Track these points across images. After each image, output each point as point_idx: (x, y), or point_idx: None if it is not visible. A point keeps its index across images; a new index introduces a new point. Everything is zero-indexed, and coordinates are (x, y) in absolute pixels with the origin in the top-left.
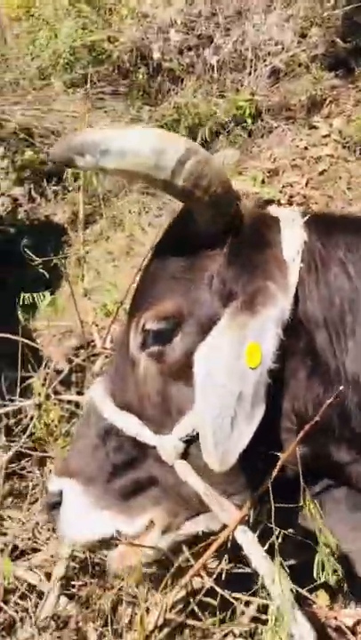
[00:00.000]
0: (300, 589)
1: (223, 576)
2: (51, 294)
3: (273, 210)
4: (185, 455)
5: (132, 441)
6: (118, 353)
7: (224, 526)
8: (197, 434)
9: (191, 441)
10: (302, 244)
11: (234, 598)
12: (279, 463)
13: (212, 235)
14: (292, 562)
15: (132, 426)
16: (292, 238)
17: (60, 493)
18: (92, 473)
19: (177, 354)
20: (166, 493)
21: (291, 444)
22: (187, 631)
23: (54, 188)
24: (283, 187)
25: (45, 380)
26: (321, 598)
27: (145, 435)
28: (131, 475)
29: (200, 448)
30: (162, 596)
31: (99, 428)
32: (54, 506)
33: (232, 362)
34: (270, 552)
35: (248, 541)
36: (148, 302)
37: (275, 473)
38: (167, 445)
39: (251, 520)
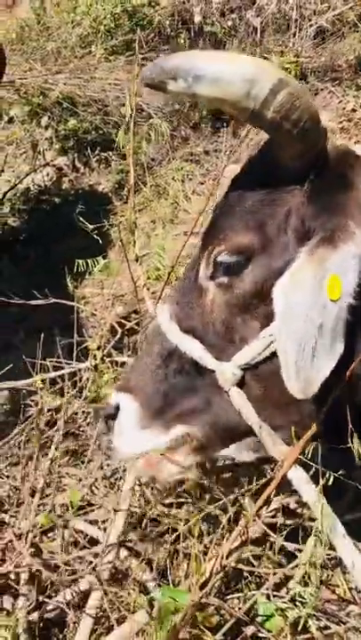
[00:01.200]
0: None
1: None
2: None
3: (359, 148)
4: (241, 384)
5: (193, 364)
6: (187, 280)
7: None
8: (256, 363)
9: (248, 370)
10: None
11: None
12: (330, 399)
13: (296, 170)
14: (349, 517)
15: (195, 350)
16: None
17: (118, 407)
18: (150, 391)
19: (246, 286)
20: (213, 419)
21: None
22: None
23: (98, 156)
24: None
25: (100, 343)
26: None
27: (206, 359)
28: (185, 397)
29: (256, 378)
30: (219, 544)
31: (162, 350)
32: (111, 417)
33: (314, 293)
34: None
35: (299, 478)
36: (222, 234)
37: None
38: (227, 371)
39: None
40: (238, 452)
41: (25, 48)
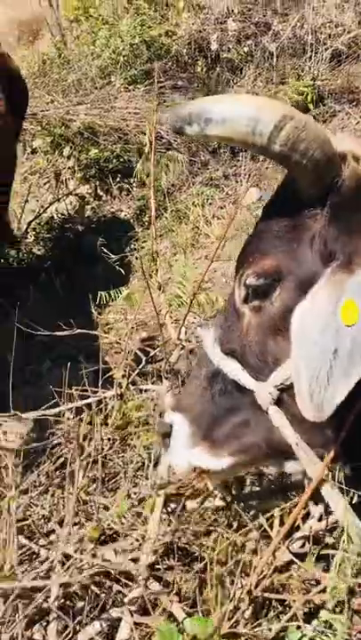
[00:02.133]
0: None
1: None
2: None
3: None
4: (279, 403)
5: (235, 385)
6: (228, 305)
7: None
8: (291, 383)
9: (285, 389)
10: None
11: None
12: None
13: (314, 196)
14: None
15: (234, 371)
16: None
17: (171, 425)
18: (199, 411)
19: (275, 308)
20: (257, 438)
21: None
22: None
23: (119, 184)
24: None
25: (125, 371)
26: None
27: (245, 379)
28: (230, 416)
29: (293, 397)
30: (247, 573)
31: (208, 372)
32: (166, 435)
33: (327, 317)
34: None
35: (331, 494)
36: (251, 259)
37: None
38: (263, 391)
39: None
40: (282, 465)
41: (47, 81)
